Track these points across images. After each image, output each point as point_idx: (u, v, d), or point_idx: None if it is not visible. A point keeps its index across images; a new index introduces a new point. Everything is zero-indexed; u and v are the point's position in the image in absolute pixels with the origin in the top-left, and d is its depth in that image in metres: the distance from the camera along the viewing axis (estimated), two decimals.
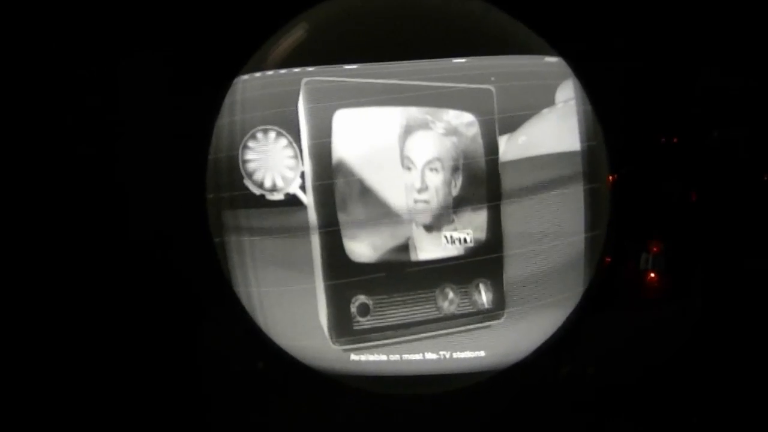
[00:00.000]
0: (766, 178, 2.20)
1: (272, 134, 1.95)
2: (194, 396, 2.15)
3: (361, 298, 1.96)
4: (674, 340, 2.14)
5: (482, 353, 2.03)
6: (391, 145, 1.94)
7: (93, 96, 2.10)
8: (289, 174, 1.95)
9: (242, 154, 1.96)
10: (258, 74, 1.98)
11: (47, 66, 2.07)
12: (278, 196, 1.96)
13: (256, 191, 1.96)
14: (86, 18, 2.09)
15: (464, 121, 1.96)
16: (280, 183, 1.96)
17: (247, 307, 2.03)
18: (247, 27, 2.03)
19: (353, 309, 1.96)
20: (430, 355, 2.02)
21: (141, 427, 2.10)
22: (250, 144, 1.95)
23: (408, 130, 1.94)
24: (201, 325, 2.13)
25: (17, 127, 2.06)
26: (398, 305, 1.97)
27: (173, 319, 2.12)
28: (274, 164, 1.96)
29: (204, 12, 2.07)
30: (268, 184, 1.96)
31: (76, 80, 2.09)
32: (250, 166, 1.96)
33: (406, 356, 2.02)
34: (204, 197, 2.02)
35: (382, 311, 1.96)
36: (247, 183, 1.96)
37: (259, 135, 1.95)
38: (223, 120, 1.99)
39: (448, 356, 2.03)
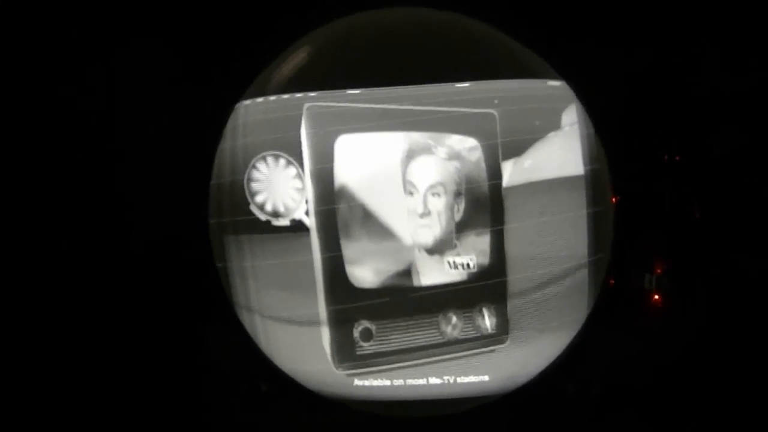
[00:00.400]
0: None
1: (278, 160, 1.95)
2: (199, 418, 2.15)
3: (364, 323, 1.95)
4: (680, 360, 2.13)
5: (486, 377, 2.02)
6: (394, 170, 1.93)
7: (94, 119, 2.09)
8: (295, 200, 1.95)
9: (248, 180, 1.95)
10: (260, 99, 1.98)
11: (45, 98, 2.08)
12: (284, 222, 1.96)
13: (262, 217, 1.95)
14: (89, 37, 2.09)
15: (467, 145, 1.95)
16: (285, 209, 1.95)
17: (251, 332, 2.03)
18: (248, 52, 2.03)
19: (356, 334, 1.96)
20: (434, 380, 2.02)
21: None
22: (256, 169, 1.95)
23: (410, 155, 1.93)
24: (205, 348, 2.12)
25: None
26: (401, 330, 1.96)
27: (178, 343, 2.13)
28: (280, 190, 1.96)
29: (206, 37, 2.07)
30: (273, 209, 1.95)
31: (79, 102, 2.09)
32: (256, 191, 1.95)
33: (410, 381, 2.02)
34: (207, 222, 2.01)
35: (385, 336, 1.96)
36: (253, 209, 1.95)
37: (266, 160, 1.95)
38: (225, 145, 1.99)
39: (452, 381, 2.02)
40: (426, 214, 1.94)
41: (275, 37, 2.02)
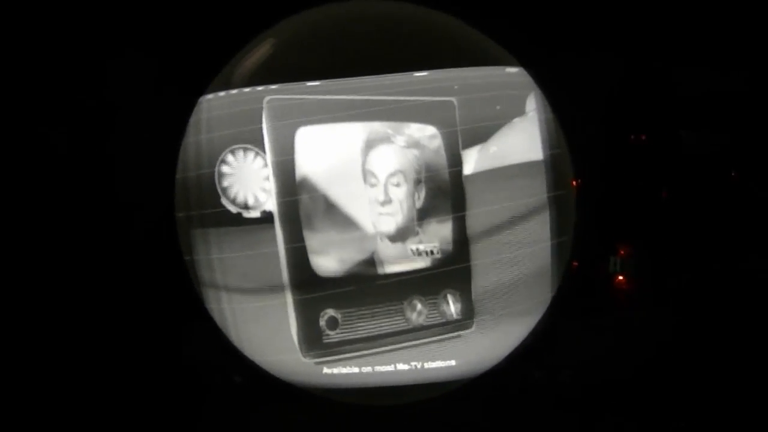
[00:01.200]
0: (733, 175, 2.21)
1: (246, 153, 1.97)
2: (172, 412, 2.16)
3: (330, 312, 1.98)
4: (646, 342, 2.16)
5: (453, 362, 2.05)
6: (353, 160, 1.96)
7: (53, 116, 2.11)
8: (265, 191, 1.97)
9: (218, 173, 1.97)
10: (222, 93, 2.00)
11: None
12: (254, 214, 1.98)
13: (233, 209, 1.98)
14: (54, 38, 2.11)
15: (427, 133, 1.98)
16: (255, 201, 1.98)
17: (220, 324, 2.05)
18: (210, 47, 2.05)
19: (322, 323, 1.98)
20: (401, 366, 2.04)
21: None
22: (226, 163, 1.97)
23: (369, 145, 1.96)
24: (176, 342, 2.15)
25: None
26: (367, 318, 1.99)
27: (148, 338, 2.15)
28: (250, 183, 1.98)
29: (168, 32, 2.09)
30: (244, 202, 1.97)
31: (40, 103, 2.11)
32: (226, 184, 1.97)
33: (378, 368, 2.04)
34: (173, 216, 2.03)
35: (351, 324, 1.99)
36: (224, 201, 1.97)
37: (234, 154, 1.97)
38: (189, 139, 2.01)
39: (419, 366, 2.05)
40: (387, 202, 1.96)
41: (236, 32, 2.03)
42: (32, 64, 2.12)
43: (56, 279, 2.14)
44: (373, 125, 1.96)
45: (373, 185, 1.96)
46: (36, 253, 2.14)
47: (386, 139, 1.96)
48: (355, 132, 1.96)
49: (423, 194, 1.97)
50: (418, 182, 1.97)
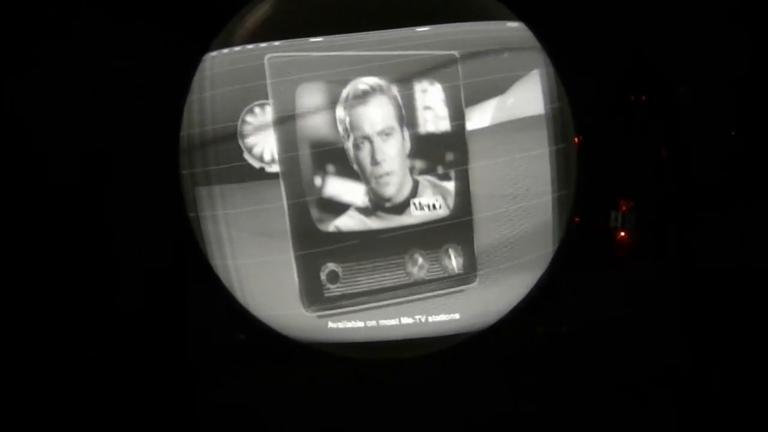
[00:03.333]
0: (733, 133, 2.22)
1: (264, 108, 1.99)
2: (178, 371, 2.18)
3: (330, 266, 2.00)
4: (648, 297, 2.17)
5: (457, 315, 2.06)
6: (351, 116, 1.98)
7: (54, 78, 2.12)
8: None
9: (241, 130, 1.99)
10: (226, 50, 2.01)
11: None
12: (277, 168, 2.00)
13: (256, 165, 1.99)
14: None
15: (429, 88, 1.99)
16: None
17: (225, 280, 2.07)
18: (214, 3, 2.06)
19: (323, 276, 2.01)
20: (406, 320, 2.06)
21: (125, 405, 2.13)
22: (248, 118, 1.99)
23: (368, 100, 1.97)
24: (181, 299, 2.16)
25: None
26: (368, 272, 2.01)
27: (153, 296, 2.17)
28: (270, 137, 2.00)
29: None
30: (268, 156, 1.99)
31: (38, 64, 2.12)
32: (250, 140, 1.99)
33: (382, 322, 2.06)
34: (178, 172, 2.04)
35: (352, 278, 2.01)
36: (247, 157, 1.99)
37: (253, 111, 1.98)
38: (194, 96, 2.02)
39: (423, 320, 2.06)
40: (384, 158, 1.97)
41: None
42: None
43: (59, 244, 2.15)
44: (371, 80, 1.98)
45: (371, 141, 1.97)
46: (37, 217, 2.14)
47: (386, 95, 1.98)
48: (354, 88, 1.98)
49: (423, 148, 1.98)
50: (418, 136, 1.98)
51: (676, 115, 2.23)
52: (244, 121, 1.99)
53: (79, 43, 2.11)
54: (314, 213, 1.99)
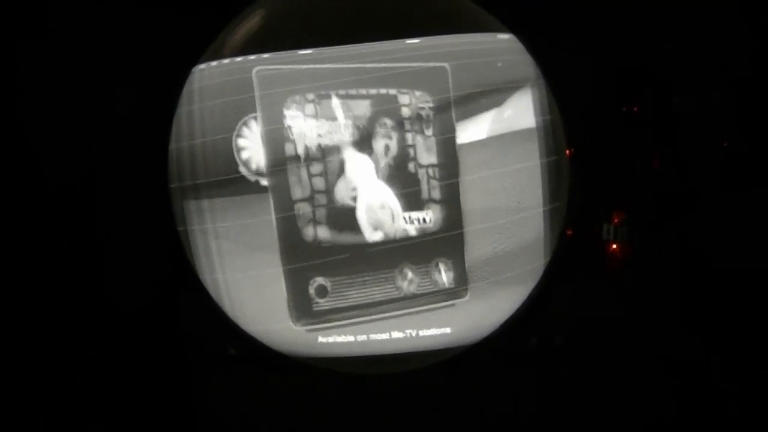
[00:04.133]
0: (725, 145, 2.21)
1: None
2: (168, 385, 2.17)
3: (319, 280, 1.99)
4: (641, 309, 2.16)
5: (448, 330, 2.05)
6: (341, 129, 1.96)
7: (42, 89, 2.10)
8: None
9: (236, 142, 1.97)
10: (214, 63, 2.00)
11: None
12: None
13: (251, 177, 1.98)
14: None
15: (419, 101, 1.97)
16: None
17: (214, 295, 2.05)
18: (204, 15, 2.05)
19: (311, 291, 1.99)
20: (396, 334, 2.05)
21: (117, 414, 2.12)
22: (242, 131, 1.97)
23: (358, 113, 1.96)
24: (171, 312, 2.15)
25: None
26: (357, 286, 2.00)
27: (143, 311, 2.15)
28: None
29: (160, 2, 2.08)
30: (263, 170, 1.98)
31: (26, 74, 2.11)
32: (244, 153, 1.97)
33: (373, 336, 2.05)
34: (166, 186, 2.03)
35: (341, 292, 2.00)
36: (242, 170, 1.98)
37: (248, 123, 1.97)
38: (182, 109, 2.01)
39: (414, 334, 2.05)
40: (377, 170, 1.96)
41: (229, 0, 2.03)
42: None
43: (50, 253, 2.14)
44: (363, 93, 1.97)
45: (361, 153, 1.96)
46: (27, 231, 2.13)
47: (376, 107, 1.96)
48: (344, 101, 1.97)
49: (415, 163, 1.97)
50: (409, 150, 1.97)
51: (669, 126, 2.21)
52: (239, 134, 1.97)
53: (65, 56, 2.08)
54: (302, 227, 1.98)
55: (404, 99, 1.98)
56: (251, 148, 1.97)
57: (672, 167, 2.22)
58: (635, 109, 2.24)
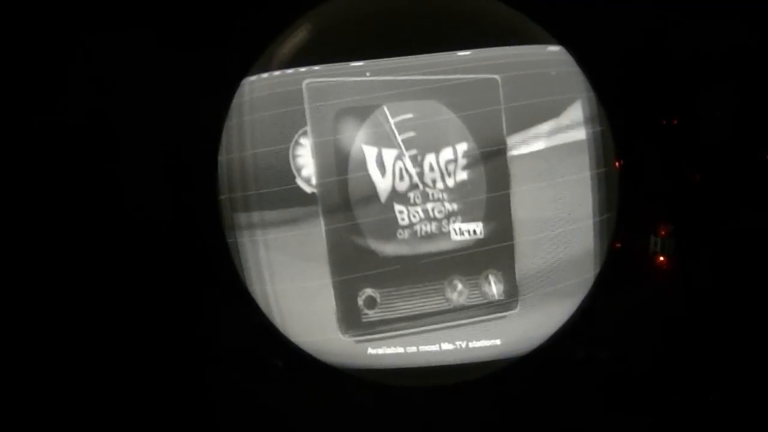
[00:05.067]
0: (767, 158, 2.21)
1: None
2: (213, 398, 2.17)
3: (368, 291, 1.99)
4: (686, 322, 2.15)
5: (498, 341, 2.04)
6: (392, 142, 1.97)
7: (99, 98, 2.11)
8: None
9: (293, 154, 1.98)
10: (265, 75, 2.00)
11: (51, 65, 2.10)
12: None
13: (308, 190, 1.98)
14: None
15: (470, 112, 1.97)
16: None
17: (263, 306, 2.05)
18: (254, 28, 2.06)
19: (360, 302, 1.99)
20: (446, 346, 2.04)
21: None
22: (299, 144, 1.98)
23: (409, 126, 1.96)
24: (218, 325, 2.14)
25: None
26: (406, 297, 2.00)
27: (192, 324, 2.15)
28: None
29: (211, 15, 2.09)
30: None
31: (82, 82, 2.12)
32: (301, 165, 1.98)
33: (422, 347, 2.04)
34: (216, 198, 2.03)
35: (390, 303, 2.00)
36: (299, 182, 1.98)
37: (305, 135, 1.98)
38: (233, 122, 2.02)
39: (464, 346, 2.05)
40: (428, 183, 1.97)
41: (279, 12, 2.04)
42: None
43: (96, 265, 2.14)
44: (413, 105, 1.97)
45: (413, 165, 1.96)
46: (76, 242, 2.14)
47: (428, 119, 1.96)
48: (395, 112, 1.97)
49: (467, 174, 1.97)
50: (461, 162, 1.97)
51: (709, 140, 2.22)
52: (297, 143, 1.97)
53: (115, 69, 2.10)
54: (352, 238, 1.99)
55: (454, 110, 1.97)
56: (306, 158, 1.97)
57: (713, 180, 2.22)
58: (674, 121, 2.24)
